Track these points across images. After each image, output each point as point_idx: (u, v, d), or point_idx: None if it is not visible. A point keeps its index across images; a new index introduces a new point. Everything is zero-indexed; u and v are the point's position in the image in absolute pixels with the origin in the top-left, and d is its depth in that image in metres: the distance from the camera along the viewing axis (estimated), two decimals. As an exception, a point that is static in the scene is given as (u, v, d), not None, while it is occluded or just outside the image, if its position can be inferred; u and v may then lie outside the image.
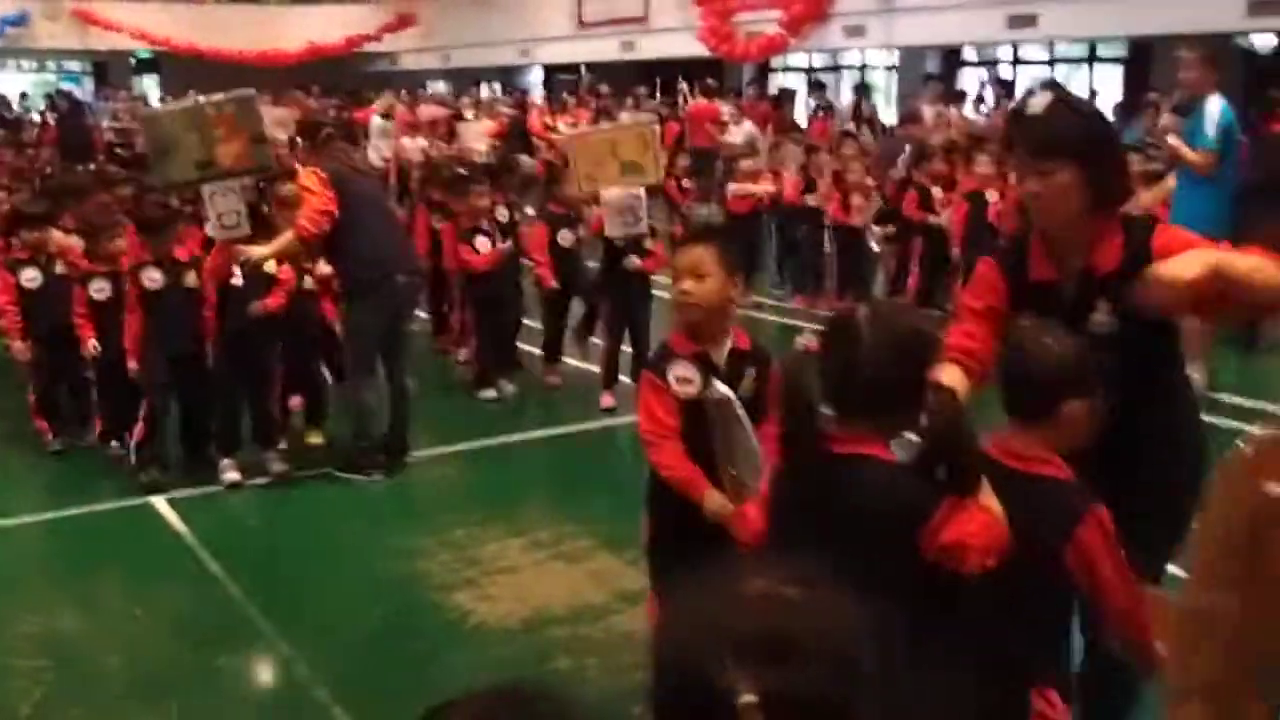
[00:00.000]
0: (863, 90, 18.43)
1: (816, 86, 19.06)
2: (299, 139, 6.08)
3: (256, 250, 5.76)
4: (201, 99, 5.72)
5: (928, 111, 14.49)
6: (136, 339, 5.92)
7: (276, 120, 14.67)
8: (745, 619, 1.12)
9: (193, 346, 5.99)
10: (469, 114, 18.90)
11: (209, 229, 5.76)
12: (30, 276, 6.53)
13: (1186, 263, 2.41)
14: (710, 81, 18.13)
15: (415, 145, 15.37)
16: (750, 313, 10.44)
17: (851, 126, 15.29)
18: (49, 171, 11.55)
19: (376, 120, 16.76)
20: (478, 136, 16.73)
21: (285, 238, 5.80)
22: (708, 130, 16.13)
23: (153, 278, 5.90)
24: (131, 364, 5.89)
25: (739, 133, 14.74)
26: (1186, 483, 2.66)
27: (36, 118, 21.16)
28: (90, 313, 6.18)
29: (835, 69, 21.48)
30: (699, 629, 1.13)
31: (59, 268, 6.59)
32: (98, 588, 5.05)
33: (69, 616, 4.78)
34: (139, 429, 5.99)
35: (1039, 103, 2.82)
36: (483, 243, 7.66)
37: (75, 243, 6.62)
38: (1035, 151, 2.78)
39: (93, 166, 9.41)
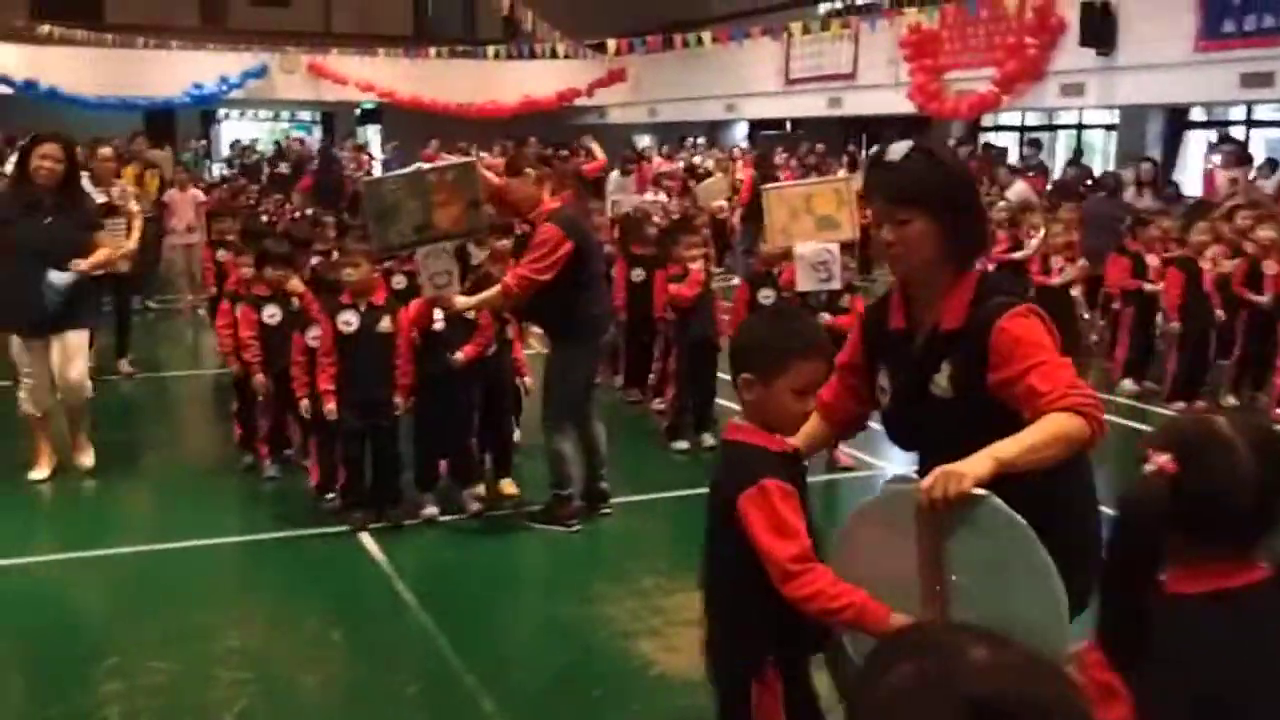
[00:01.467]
0: (1077, 153, 17.95)
1: (1032, 145, 18.64)
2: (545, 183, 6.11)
3: (460, 300, 5.90)
4: (425, 167, 5.92)
5: (1220, 177, 13.93)
6: (332, 382, 6.06)
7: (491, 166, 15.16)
8: (980, 684, 1.12)
9: (385, 391, 6.11)
10: (708, 165, 19.29)
11: (423, 288, 5.92)
12: (271, 313, 6.86)
13: (975, 466, 2.38)
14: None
15: (657, 201, 15.62)
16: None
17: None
18: (298, 216, 12.23)
19: (615, 176, 17.26)
20: (719, 193, 16.97)
21: (492, 292, 5.91)
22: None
23: (348, 321, 6.07)
24: (329, 406, 6.03)
25: (1011, 192, 14.32)
26: (1062, 558, 2.32)
27: (281, 165, 22.33)
28: (306, 360, 6.28)
29: (1050, 128, 21.01)
30: (929, 698, 1.13)
31: (293, 306, 6.89)
32: (299, 609, 5.26)
33: (271, 634, 4.99)
34: (341, 474, 6.20)
35: (898, 149, 2.74)
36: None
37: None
38: (892, 199, 2.73)
39: (345, 213, 9.92)
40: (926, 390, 2.72)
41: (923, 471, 2.60)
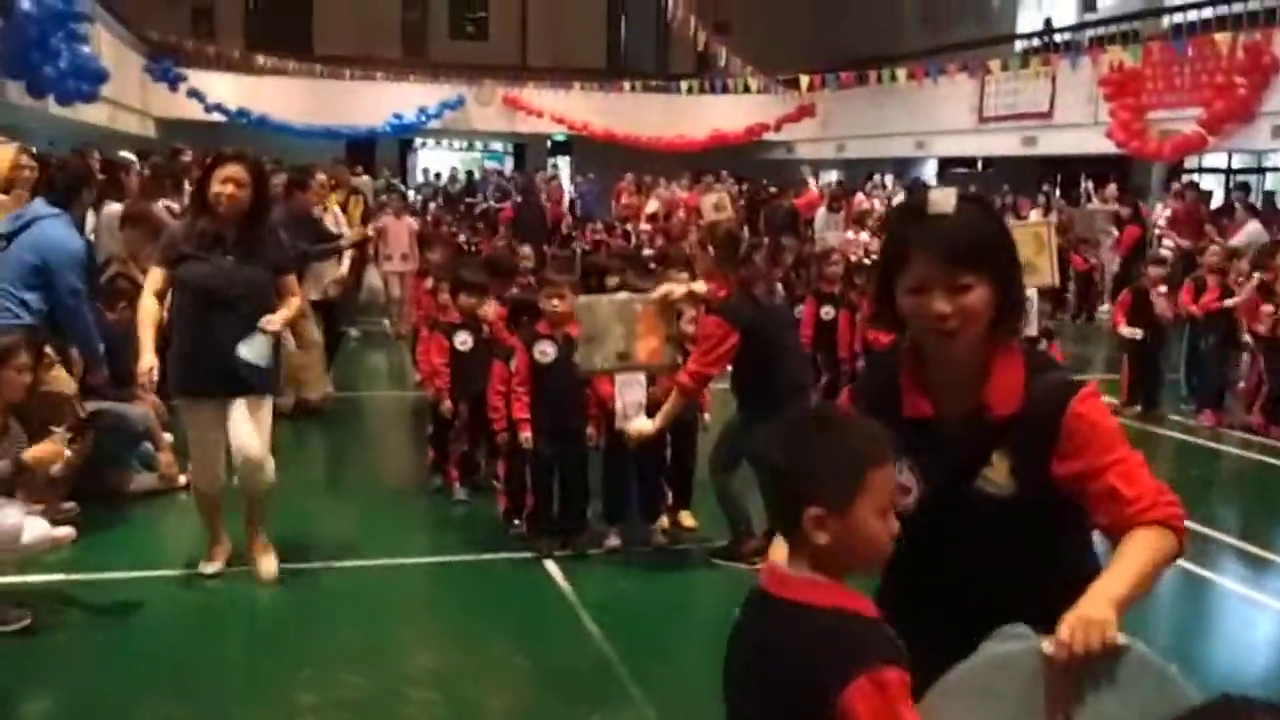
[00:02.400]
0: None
1: (1240, 188, 17.86)
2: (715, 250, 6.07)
3: (647, 426, 5.81)
4: (632, 296, 6.04)
5: None
6: (527, 410, 6.15)
7: (715, 205, 15.29)
8: None
9: (576, 422, 6.20)
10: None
11: (616, 415, 6.02)
12: (463, 340, 7.01)
13: (1103, 611, 1.96)
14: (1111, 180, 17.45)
15: (858, 240, 15.55)
16: (1151, 428, 9.89)
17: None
18: (501, 246, 12.61)
19: (823, 213, 17.27)
20: None
21: (671, 403, 5.79)
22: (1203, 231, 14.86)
23: (544, 351, 6.15)
24: (525, 433, 6.12)
25: (1243, 234, 13.76)
26: None
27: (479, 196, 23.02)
28: (506, 389, 6.32)
29: (1259, 170, 20.12)
30: None
31: (485, 333, 7.04)
32: (485, 632, 5.33)
33: (458, 656, 5.08)
34: (529, 500, 6.29)
35: (946, 198, 2.25)
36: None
37: (495, 311, 7.13)
38: (951, 258, 2.20)
39: (549, 252, 10.12)
40: (972, 488, 2.28)
41: (950, 589, 2.29)
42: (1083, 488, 2.21)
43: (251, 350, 5.22)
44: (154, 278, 5.47)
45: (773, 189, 20.01)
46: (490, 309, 7.12)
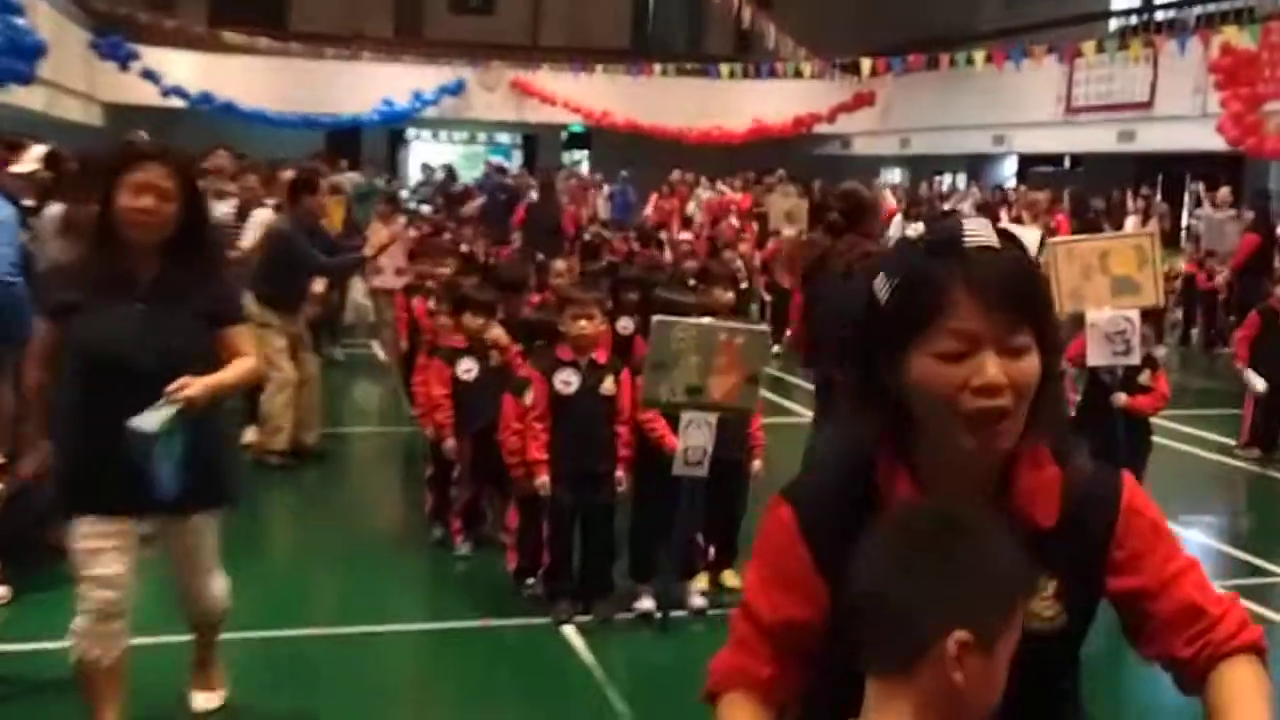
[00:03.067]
0: None
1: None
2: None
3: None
4: (718, 323, 6.02)
5: None
6: (544, 450, 6.14)
7: (788, 214, 15.37)
8: None
9: (602, 464, 6.19)
10: (964, 207, 19.10)
11: (675, 459, 5.97)
12: (467, 368, 7.02)
13: None
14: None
15: None
16: (1273, 473, 9.82)
17: None
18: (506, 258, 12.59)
19: (898, 221, 17.26)
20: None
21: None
22: None
23: (567, 381, 6.13)
24: (541, 478, 6.10)
25: None
26: None
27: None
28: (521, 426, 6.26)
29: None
30: None
31: (493, 361, 7.05)
32: (493, 712, 5.31)
33: (464, 741, 5.04)
34: (546, 557, 6.28)
35: (983, 229, 1.91)
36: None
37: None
38: (1007, 309, 1.85)
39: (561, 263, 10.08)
40: None
41: None
42: (1146, 607, 1.98)
43: (148, 423, 3.88)
44: (35, 342, 4.38)
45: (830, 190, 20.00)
46: (501, 333, 7.12)
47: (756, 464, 6.62)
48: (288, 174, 10.69)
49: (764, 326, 6.03)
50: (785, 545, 2.00)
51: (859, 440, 2.02)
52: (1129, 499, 2.00)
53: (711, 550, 6.73)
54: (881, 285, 1.91)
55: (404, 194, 23.09)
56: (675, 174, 23.03)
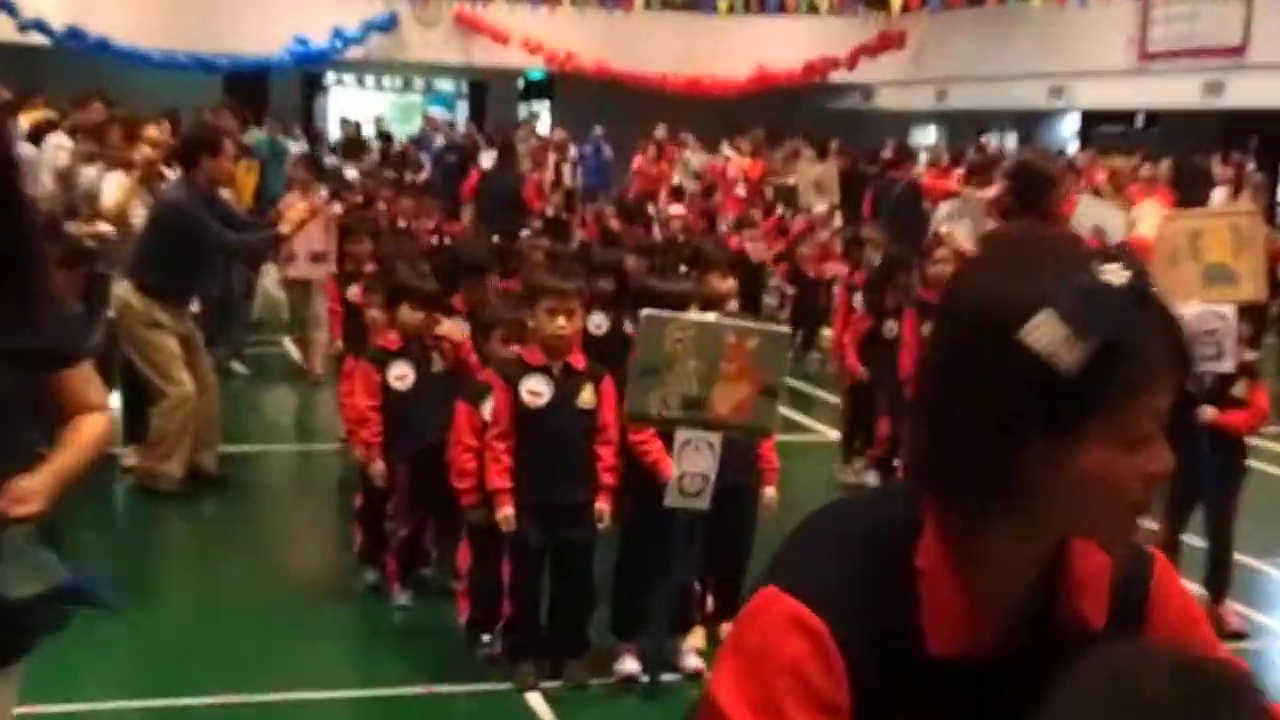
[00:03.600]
0: None
1: None
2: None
3: None
4: (725, 320, 5.99)
5: None
6: (507, 476, 6.09)
7: (817, 183, 15.34)
8: None
9: (579, 493, 6.15)
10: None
11: (668, 490, 5.95)
12: (400, 374, 6.95)
13: None
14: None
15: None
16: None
17: None
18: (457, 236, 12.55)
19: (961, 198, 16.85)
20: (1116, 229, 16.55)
21: None
22: None
23: (536, 391, 6.09)
24: (504, 510, 6.05)
25: None
26: None
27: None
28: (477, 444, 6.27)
29: None
30: None
31: (437, 365, 7.02)
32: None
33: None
34: (507, 607, 6.24)
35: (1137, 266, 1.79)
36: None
37: (462, 331, 7.13)
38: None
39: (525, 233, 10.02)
40: None
41: None
42: None
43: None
44: None
45: (885, 154, 19.62)
46: (454, 328, 7.09)
47: (769, 492, 6.59)
48: (152, 132, 10.50)
49: (784, 328, 5.98)
50: (808, 671, 1.78)
51: (893, 524, 1.87)
52: (1162, 574, 1.97)
53: (710, 599, 6.71)
54: (1058, 340, 1.69)
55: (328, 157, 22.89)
56: (660, 130, 23.01)
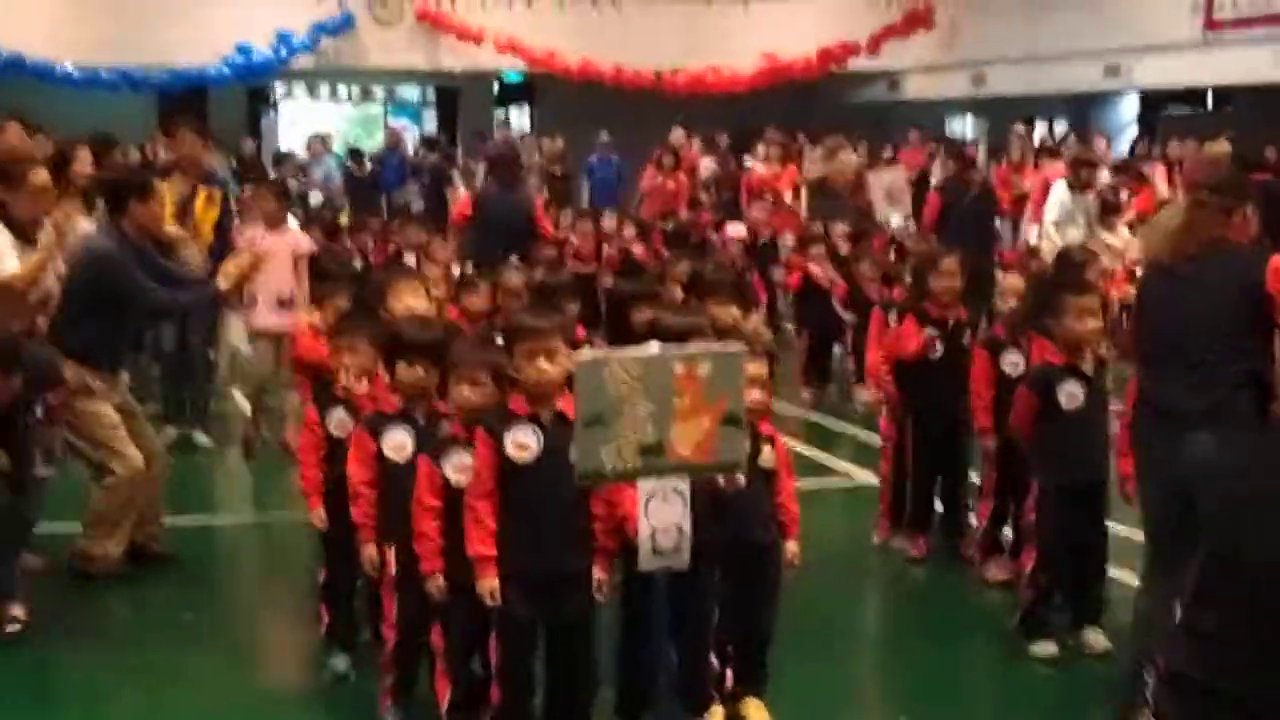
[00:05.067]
0: None
1: None
2: None
3: None
4: (668, 350, 5.92)
5: None
6: (490, 541, 6.06)
7: (889, 189, 15.24)
8: None
9: (574, 560, 6.12)
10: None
11: (640, 550, 5.91)
12: (398, 443, 6.78)
13: None
14: None
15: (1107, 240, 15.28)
16: None
17: None
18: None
19: (1060, 187, 16.12)
20: None
21: None
22: None
23: (523, 444, 6.05)
24: (488, 581, 6.02)
25: None
26: None
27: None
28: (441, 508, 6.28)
29: None
30: None
31: (444, 430, 6.69)
32: None
33: None
34: (495, 692, 6.19)
35: None
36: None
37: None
38: None
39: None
40: None
41: None
42: None
43: None
44: None
45: (967, 150, 19.19)
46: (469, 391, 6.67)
47: (790, 547, 6.65)
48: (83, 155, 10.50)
49: (735, 345, 5.89)
50: None
51: None
52: None
53: (729, 673, 6.71)
54: None
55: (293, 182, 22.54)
56: (677, 134, 22.94)
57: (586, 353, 5.98)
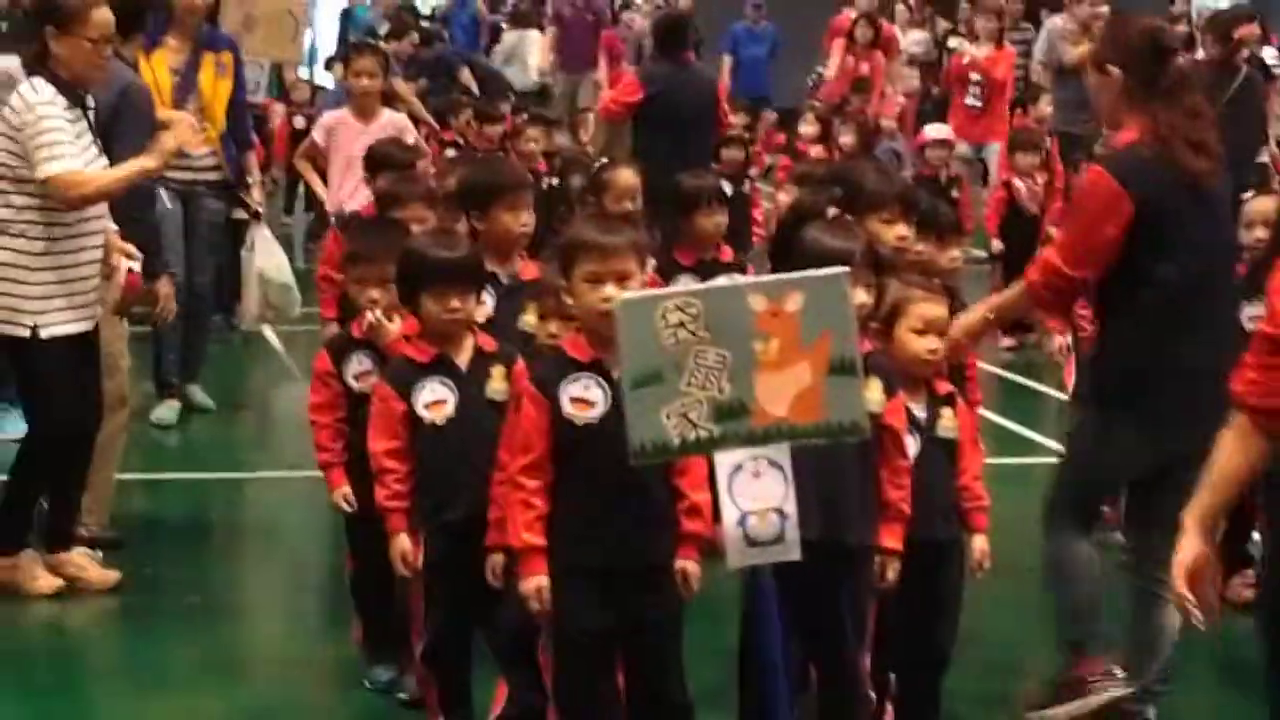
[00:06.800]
0: None
1: None
2: None
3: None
4: (741, 280, 6.04)
5: None
6: (540, 528, 5.42)
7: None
8: None
9: (653, 553, 5.47)
10: None
11: (725, 537, 5.21)
12: (437, 398, 6.10)
13: None
14: None
15: None
16: None
17: None
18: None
19: None
20: None
21: (1008, 295, 6.64)
22: None
23: (585, 399, 5.49)
24: (535, 578, 5.37)
25: None
26: None
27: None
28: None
29: None
30: None
31: (496, 388, 6.14)
32: None
33: None
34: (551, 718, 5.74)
35: None
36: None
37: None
38: None
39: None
40: None
41: None
42: None
43: None
44: None
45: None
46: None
47: (978, 543, 6.06)
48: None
49: (837, 269, 5.12)
50: None
51: None
52: None
53: (889, 706, 6.20)
54: None
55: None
56: None
57: (625, 294, 5.21)
